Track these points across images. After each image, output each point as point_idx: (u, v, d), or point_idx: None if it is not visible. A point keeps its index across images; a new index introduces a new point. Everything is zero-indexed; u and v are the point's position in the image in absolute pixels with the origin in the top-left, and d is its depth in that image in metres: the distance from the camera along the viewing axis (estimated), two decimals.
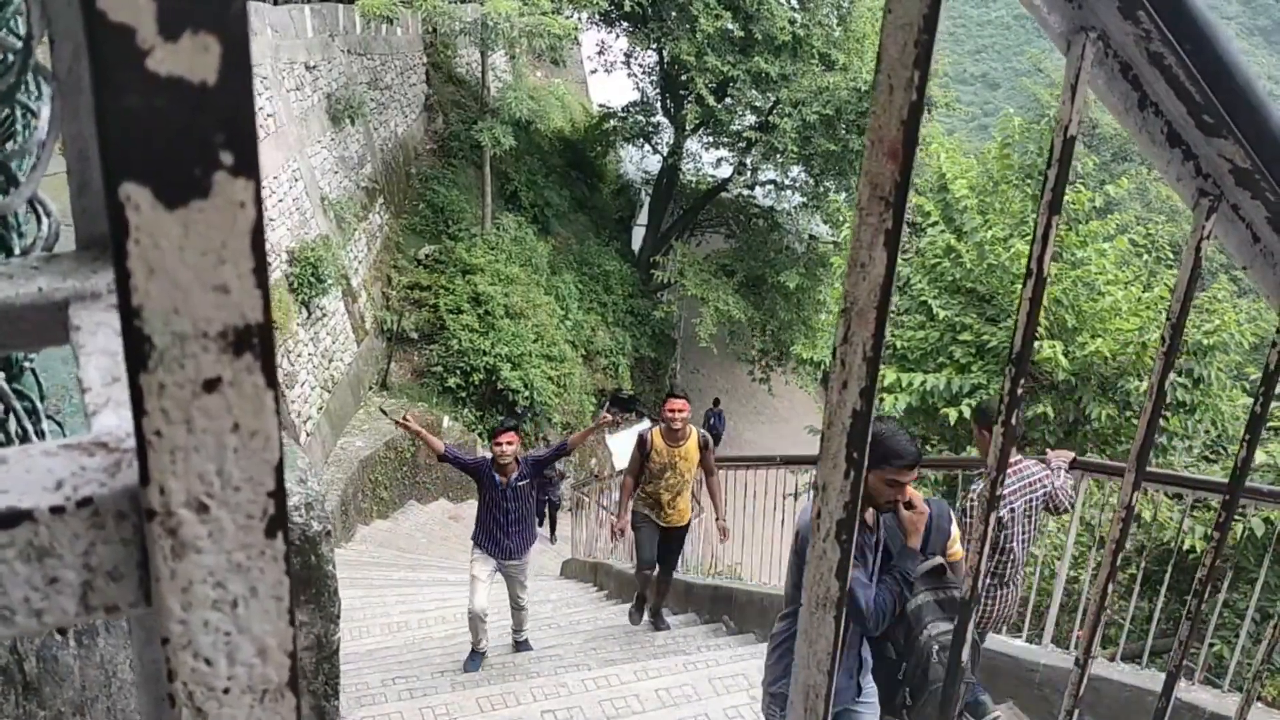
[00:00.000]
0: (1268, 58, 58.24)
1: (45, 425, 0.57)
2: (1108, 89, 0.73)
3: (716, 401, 20.73)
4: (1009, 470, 5.26)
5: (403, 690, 5.04)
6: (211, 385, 0.30)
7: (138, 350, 0.29)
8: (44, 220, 0.48)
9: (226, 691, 0.33)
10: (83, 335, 0.40)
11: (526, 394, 15.98)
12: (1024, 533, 3.87)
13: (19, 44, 0.46)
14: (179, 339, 0.29)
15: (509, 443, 5.45)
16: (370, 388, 14.85)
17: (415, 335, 15.90)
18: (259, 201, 0.29)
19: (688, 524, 6.13)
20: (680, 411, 5.65)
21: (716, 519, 5.91)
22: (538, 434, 16.36)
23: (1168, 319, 0.83)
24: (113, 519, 0.31)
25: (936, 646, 2.84)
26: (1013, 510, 3.80)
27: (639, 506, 5.90)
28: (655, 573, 6.03)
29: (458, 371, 15.78)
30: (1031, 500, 3.89)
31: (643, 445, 5.77)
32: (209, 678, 0.33)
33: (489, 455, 5.61)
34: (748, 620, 6.60)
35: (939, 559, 2.90)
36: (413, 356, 16.05)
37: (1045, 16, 0.67)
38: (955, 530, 3.01)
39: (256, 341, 0.30)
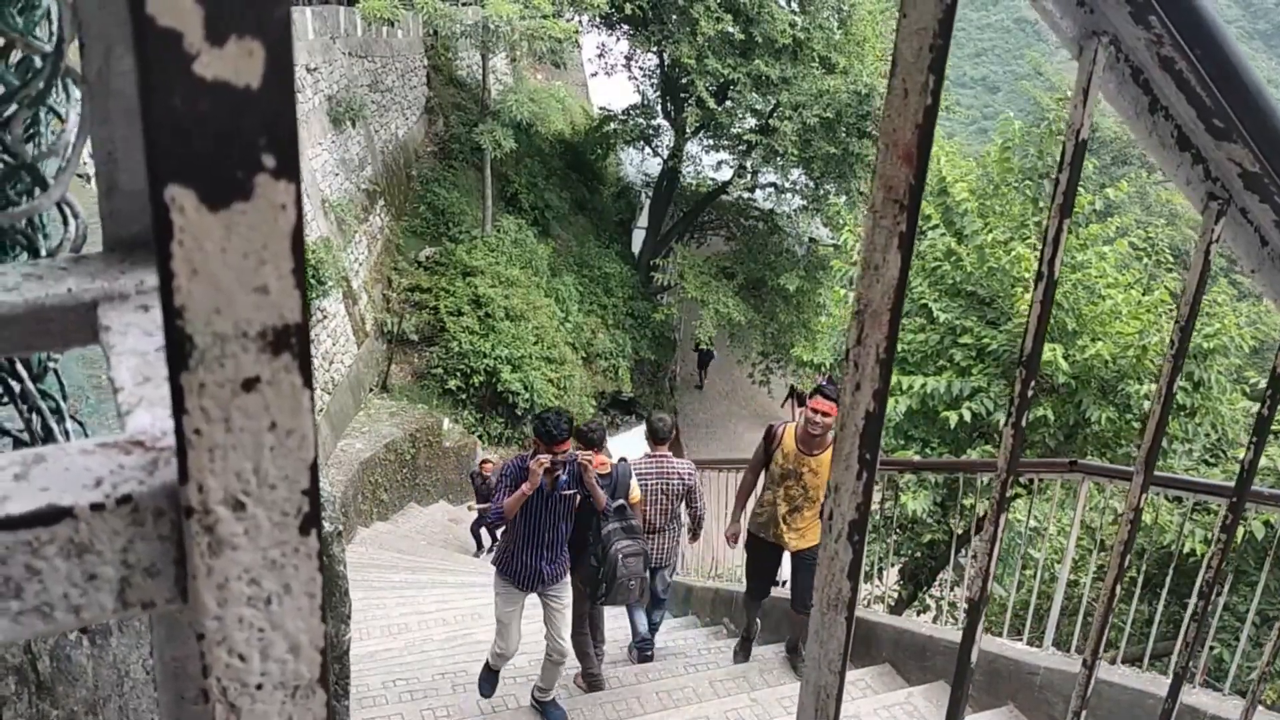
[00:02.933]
0: (1267, 61, 58.33)
1: (69, 425, 0.57)
2: (1118, 93, 0.73)
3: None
4: (651, 458, 5.41)
5: (403, 692, 5.04)
6: (250, 384, 0.30)
7: (179, 350, 0.29)
8: (71, 222, 0.49)
9: (259, 687, 0.34)
10: (113, 336, 0.41)
11: (526, 396, 15.99)
12: (657, 503, 5.32)
13: (47, 48, 0.46)
14: (219, 339, 0.29)
15: (567, 450, 4.22)
16: (370, 390, 14.85)
17: (415, 337, 15.91)
18: (299, 204, 0.29)
19: (813, 549, 4.76)
20: (826, 415, 4.51)
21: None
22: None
23: (1176, 322, 0.84)
24: (151, 516, 0.31)
25: (621, 556, 4.56)
26: (648, 486, 5.27)
27: (753, 520, 4.97)
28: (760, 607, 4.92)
29: (458, 374, 15.78)
30: (668, 482, 5.35)
31: (770, 439, 4.83)
32: (243, 673, 0.33)
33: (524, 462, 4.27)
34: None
35: (622, 501, 4.66)
36: (413, 359, 16.06)
37: (1057, 21, 0.68)
38: (634, 483, 4.88)
39: (294, 341, 0.30)
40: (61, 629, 0.32)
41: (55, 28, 0.44)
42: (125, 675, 0.92)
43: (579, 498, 4.40)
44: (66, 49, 0.43)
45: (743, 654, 5.48)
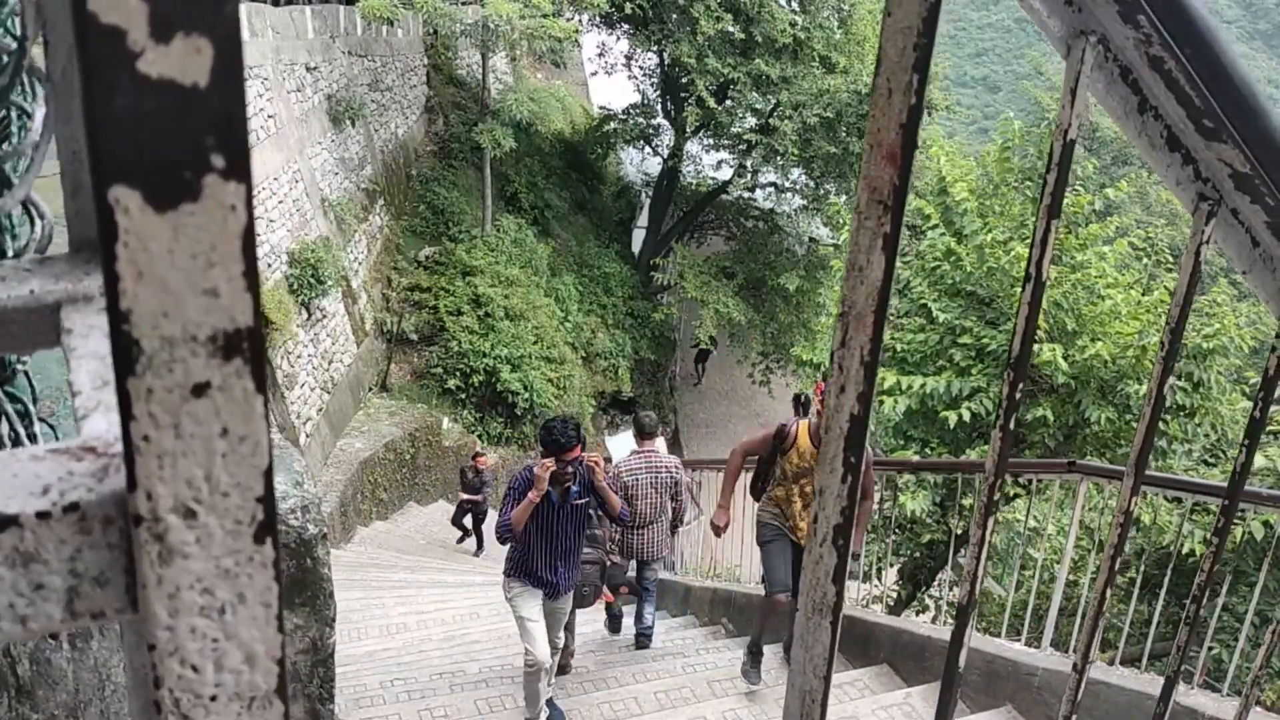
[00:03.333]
0: (1268, 62, 58.31)
1: (37, 428, 0.57)
2: (1107, 93, 0.72)
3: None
4: (639, 453, 5.57)
5: (401, 692, 5.03)
6: (200, 390, 0.29)
7: (126, 354, 0.28)
8: (38, 222, 0.48)
9: (214, 699, 0.33)
10: (74, 338, 0.40)
11: (526, 396, 15.98)
12: (647, 498, 5.56)
13: (13, 45, 0.46)
14: (168, 343, 0.29)
15: (579, 456, 4.13)
16: (370, 389, 14.85)
17: (415, 337, 15.90)
18: (250, 205, 0.29)
19: None
20: None
21: (853, 554, 4.82)
22: (537, 435, 16.35)
23: (1167, 323, 0.83)
24: (99, 524, 0.31)
25: None
26: (638, 480, 5.53)
27: (765, 513, 4.74)
28: (788, 599, 4.52)
29: (457, 373, 15.78)
30: (657, 476, 5.59)
31: (782, 437, 4.57)
32: (196, 685, 0.33)
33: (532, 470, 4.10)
34: (746, 623, 6.59)
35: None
36: (412, 358, 16.06)
37: (1045, 20, 0.67)
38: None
39: (246, 346, 0.30)
40: (9, 640, 0.31)
41: (19, 25, 0.43)
42: (106, 679, 0.91)
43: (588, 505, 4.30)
44: (30, 46, 0.43)
45: (754, 668, 4.79)
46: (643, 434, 5.68)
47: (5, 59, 0.46)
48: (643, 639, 5.88)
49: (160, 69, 0.26)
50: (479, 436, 15.94)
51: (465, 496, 11.71)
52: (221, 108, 0.28)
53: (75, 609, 0.31)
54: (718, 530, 4.75)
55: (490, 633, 6.70)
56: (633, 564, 5.92)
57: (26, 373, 0.58)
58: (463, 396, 15.95)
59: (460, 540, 12.20)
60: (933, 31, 0.58)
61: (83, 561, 0.31)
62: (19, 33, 0.44)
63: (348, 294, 13.91)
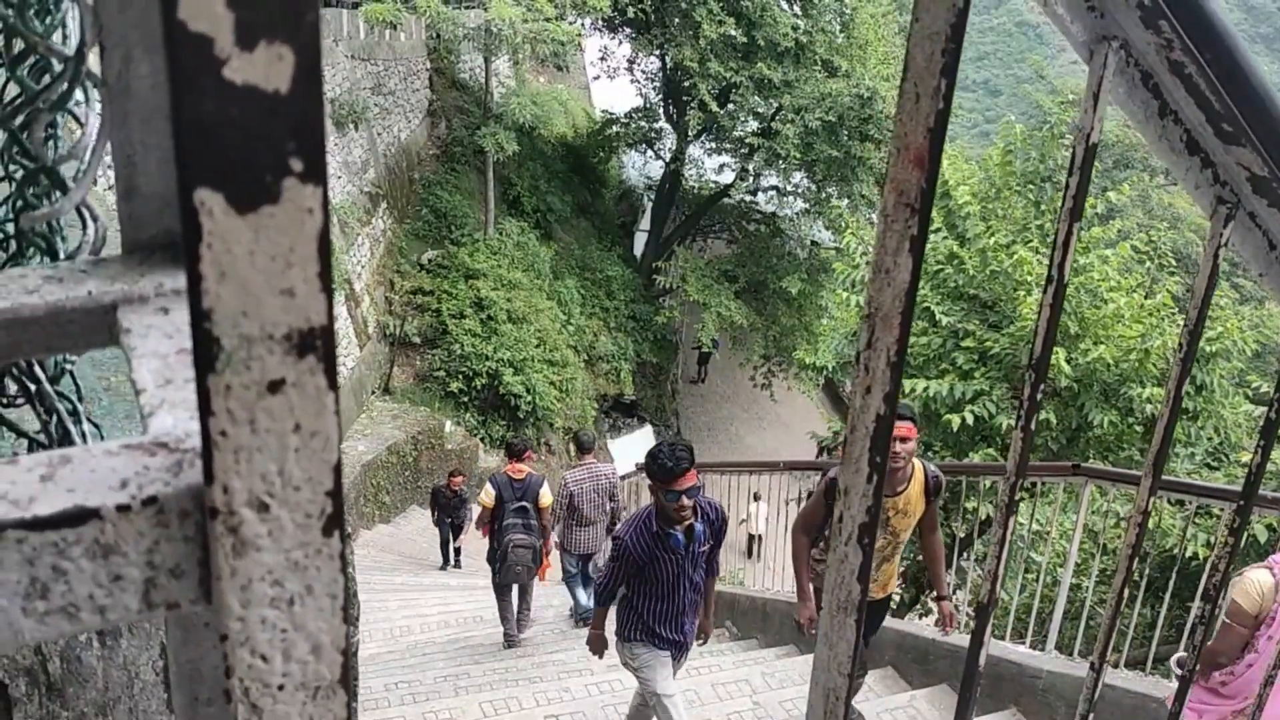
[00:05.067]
0: (1270, 64, 58.36)
1: (86, 427, 0.58)
2: (1128, 97, 0.73)
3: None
4: (581, 465, 6.45)
5: (405, 695, 5.04)
6: (276, 387, 0.30)
7: (207, 352, 0.29)
8: (90, 225, 0.49)
9: (281, 688, 0.34)
10: (133, 338, 0.41)
11: (529, 398, 15.99)
12: (593, 505, 6.34)
13: (68, 52, 0.47)
14: (246, 341, 0.29)
15: (694, 484, 3.33)
16: (373, 392, 14.86)
17: (418, 340, 15.92)
18: (326, 207, 0.30)
19: (889, 599, 4.17)
20: (906, 440, 3.51)
21: (937, 596, 4.08)
22: (539, 439, 16.36)
23: (1185, 325, 0.84)
24: (176, 517, 0.32)
25: (511, 545, 5.89)
26: (583, 489, 6.28)
27: (815, 578, 3.94)
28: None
29: (460, 376, 15.79)
30: (598, 483, 6.37)
31: (836, 494, 3.35)
32: (265, 674, 0.33)
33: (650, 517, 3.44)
34: (750, 626, 6.60)
35: (526, 504, 6.01)
36: (415, 361, 16.07)
37: (1068, 26, 0.68)
38: (545, 490, 6.14)
39: (320, 344, 0.30)
40: (87, 629, 0.32)
41: (75, 31, 0.44)
42: (135, 676, 0.92)
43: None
44: (88, 53, 0.43)
45: None
46: (582, 449, 6.74)
47: (59, 65, 0.47)
48: (583, 621, 6.67)
49: (245, 75, 0.27)
50: (481, 439, 15.95)
51: (450, 520, 10.58)
52: (301, 113, 0.28)
53: (151, 600, 0.32)
54: (802, 628, 3.91)
55: (494, 636, 6.71)
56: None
57: (72, 373, 0.59)
58: (465, 399, 15.96)
59: (457, 564, 11.11)
60: (960, 37, 0.59)
61: (160, 554, 0.32)
62: (75, 39, 0.45)
63: (350, 297, 13.93)
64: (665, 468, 3.24)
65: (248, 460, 0.31)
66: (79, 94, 0.47)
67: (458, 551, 10.86)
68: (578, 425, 17.72)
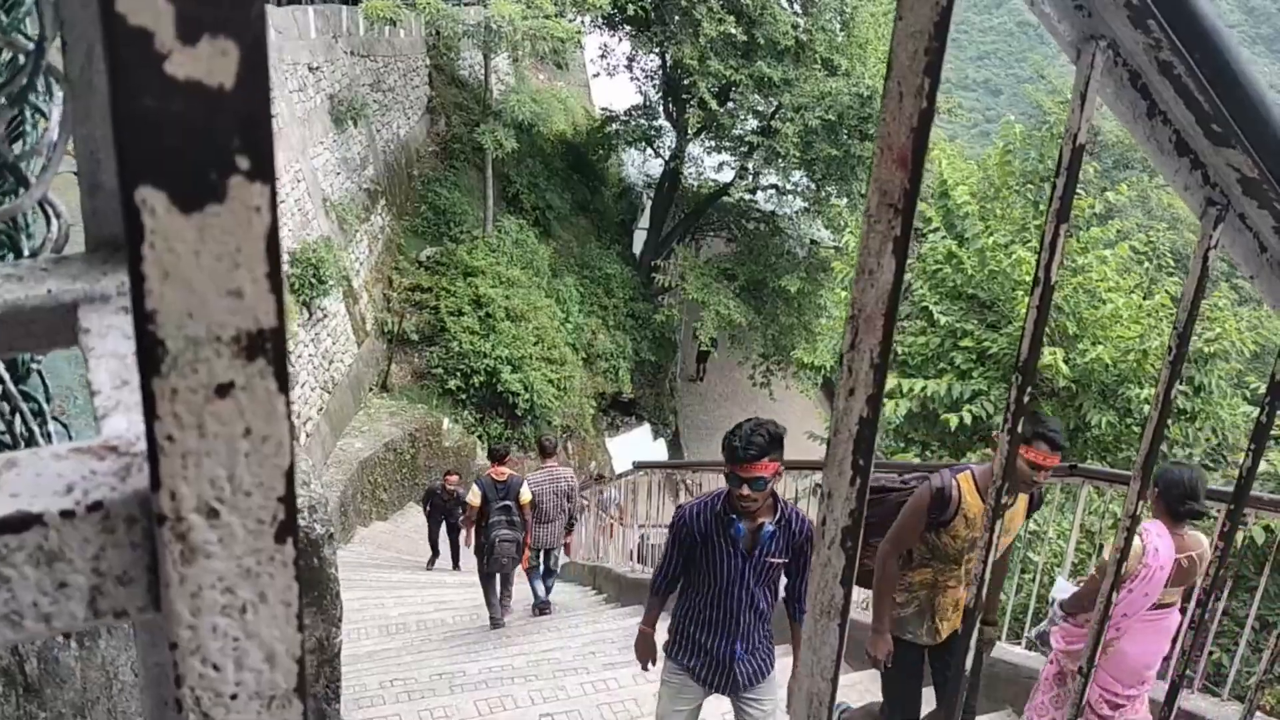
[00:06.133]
0: (1270, 65, 58.34)
1: (51, 427, 0.57)
2: (1116, 97, 0.73)
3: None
4: (543, 468, 7.22)
5: (401, 692, 5.03)
6: (224, 390, 0.30)
7: (151, 354, 0.28)
8: (53, 221, 0.48)
9: (234, 697, 0.33)
10: (92, 338, 0.40)
11: (527, 396, 15.99)
12: (552, 504, 7.19)
13: (30, 46, 0.46)
14: (192, 343, 0.29)
15: (762, 475, 2.80)
16: (370, 389, 14.85)
17: (416, 337, 15.91)
18: (274, 206, 0.29)
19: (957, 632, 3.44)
20: (1044, 469, 3.05)
21: (985, 620, 3.58)
22: (537, 436, 16.36)
23: (1174, 328, 0.83)
24: (123, 523, 0.31)
25: (498, 540, 6.65)
26: (543, 490, 7.13)
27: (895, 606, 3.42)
28: None
29: (458, 374, 15.78)
30: (556, 485, 7.25)
31: (943, 503, 3.13)
32: (217, 683, 0.33)
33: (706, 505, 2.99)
34: None
35: (510, 503, 6.75)
36: (413, 358, 16.06)
37: (1055, 25, 0.67)
38: (525, 489, 6.84)
39: (269, 346, 0.30)
40: (31, 637, 0.31)
41: (38, 25, 0.43)
42: (114, 678, 0.91)
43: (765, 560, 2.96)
44: (49, 47, 0.43)
45: None
46: (544, 453, 7.58)
47: (23, 59, 0.46)
48: (542, 607, 7.45)
49: (187, 71, 0.27)
50: (479, 437, 15.94)
51: (446, 520, 10.51)
52: (247, 109, 0.28)
53: (98, 608, 0.31)
54: (877, 662, 3.48)
55: (491, 633, 6.70)
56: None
57: (40, 372, 0.58)
58: (463, 397, 15.95)
59: (430, 565, 11.02)
60: (944, 35, 0.58)
61: (106, 560, 0.31)
62: (36, 33, 0.44)
63: (349, 294, 13.92)
64: (731, 448, 2.79)
65: (196, 465, 0.30)
66: (43, 89, 0.47)
67: (457, 551, 10.67)
68: (575, 423, 17.73)
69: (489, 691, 4.95)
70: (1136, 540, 3.00)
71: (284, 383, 0.30)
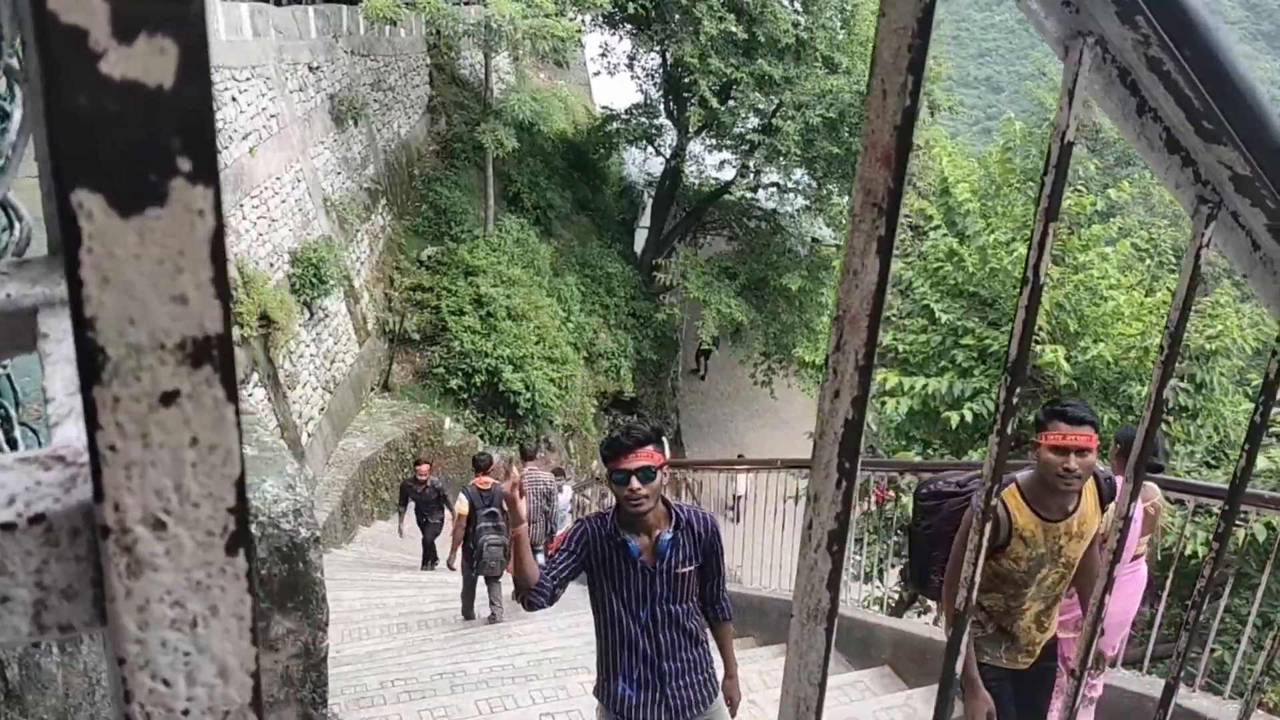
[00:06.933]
0: (1271, 63, 58.21)
1: (17, 433, 0.56)
2: (1105, 94, 0.72)
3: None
4: (529, 471, 7.43)
5: (401, 692, 5.03)
6: (169, 398, 0.29)
7: (91, 362, 0.28)
8: (15, 224, 0.47)
9: (186, 713, 0.32)
10: (49, 343, 0.39)
11: (528, 396, 15.98)
12: (533, 506, 7.41)
13: None
14: (134, 351, 0.28)
15: (648, 464, 2.60)
16: (372, 389, 14.85)
17: (417, 336, 15.90)
18: (219, 209, 0.28)
19: (1054, 650, 3.20)
20: (1084, 451, 2.70)
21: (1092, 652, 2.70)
22: (539, 436, 16.35)
23: (1166, 327, 0.82)
24: (66, 536, 0.30)
25: (486, 544, 7.10)
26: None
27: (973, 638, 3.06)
28: None
29: (459, 373, 15.78)
30: (535, 487, 7.59)
31: (994, 526, 2.37)
32: (167, 699, 0.32)
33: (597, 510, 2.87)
34: (747, 624, 6.58)
35: (495, 509, 7.13)
36: (414, 358, 16.06)
37: (1042, 21, 0.66)
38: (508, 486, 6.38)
39: (216, 353, 0.29)
40: None
41: None
42: (96, 684, 0.91)
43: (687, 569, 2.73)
44: (6, 46, 0.42)
45: None
46: (525, 456, 8.03)
47: None
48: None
49: (123, 70, 0.26)
50: (480, 436, 15.94)
51: (425, 520, 9.98)
52: (188, 109, 0.27)
53: (43, 622, 0.30)
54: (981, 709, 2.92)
55: (491, 632, 6.70)
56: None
57: (8, 376, 0.57)
58: (465, 396, 15.95)
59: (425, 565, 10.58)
60: (928, 32, 0.57)
61: (50, 574, 0.30)
62: None
63: (350, 293, 13.92)
64: (612, 440, 2.59)
65: (140, 476, 0.29)
66: (5, 89, 0.46)
67: (433, 556, 10.35)
68: (577, 422, 17.72)
69: (489, 691, 4.94)
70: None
71: (232, 390, 0.30)
